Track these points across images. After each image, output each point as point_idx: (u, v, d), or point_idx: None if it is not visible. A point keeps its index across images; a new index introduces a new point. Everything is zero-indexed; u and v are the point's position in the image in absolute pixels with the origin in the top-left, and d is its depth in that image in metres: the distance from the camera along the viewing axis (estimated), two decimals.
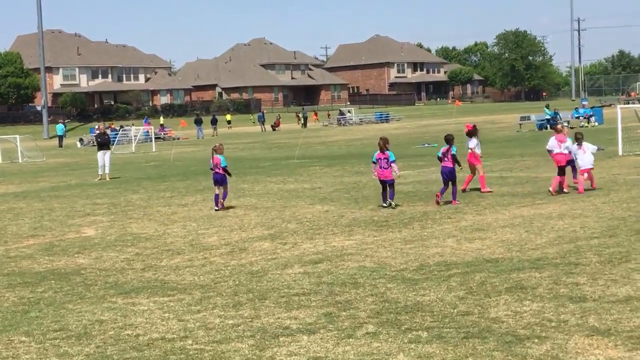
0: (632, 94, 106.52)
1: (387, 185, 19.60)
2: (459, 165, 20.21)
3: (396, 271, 12.29)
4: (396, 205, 19.59)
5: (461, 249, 13.87)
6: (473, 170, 22.02)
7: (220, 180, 20.75)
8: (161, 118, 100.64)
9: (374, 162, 19.82)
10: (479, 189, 21.57)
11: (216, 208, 20.73)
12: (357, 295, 10.85)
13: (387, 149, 19.54)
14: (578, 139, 20.97)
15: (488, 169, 27.20)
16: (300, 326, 9.43)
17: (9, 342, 9.34)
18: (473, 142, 21.83)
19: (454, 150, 20.04)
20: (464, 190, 21.66)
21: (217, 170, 20.72)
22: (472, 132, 22.02)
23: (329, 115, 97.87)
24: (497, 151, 34.84)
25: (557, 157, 20.81)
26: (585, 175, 20.83)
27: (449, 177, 19.99)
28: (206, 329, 9.53)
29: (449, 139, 20.30)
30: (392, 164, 19.40)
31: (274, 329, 9.35)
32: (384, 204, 19.58)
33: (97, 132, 35.96)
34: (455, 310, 9.79)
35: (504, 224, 16.17)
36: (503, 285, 10.94)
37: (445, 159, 20.08)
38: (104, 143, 33.04)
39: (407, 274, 12.02)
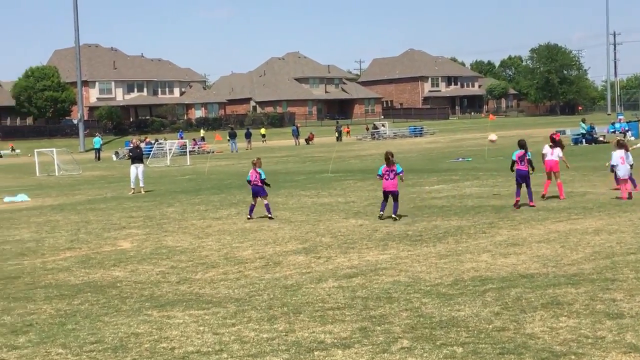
0: None
1: (390, 197, 20.49)
2: (533, 169, 21.54)
3: (431, 286, 12.25)
4: (400, 216, 20.18)
5: (496, 264, 13.80)
6: (550, 176, 22.94)
7: (259, 192, 21.71)
8: (202, 131, 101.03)
9: (379, 175, 20.85)
10: (557, 196, 22.57)
11: (249, 217, 21.58)
12: (392, 309, 10.83)
13: (394, 162, 20.70)
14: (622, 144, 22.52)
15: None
16: (335, 340, 9.43)
17: (47, 354, 9.43)
18: (560, 151, 22.83)
19: (529, 155, 21.35)
20: (543, 196, 22.54)
21: (255, 182, 21.65)
22: (560, 142, 23.04)
23: (367, 129, 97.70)
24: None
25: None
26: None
27: (523, 180, 21.25)
28: (241, 342, 9.55)
29: (522, 144, 21.51)
30: (401, 174, 20.69)
31: (309, 343, 9.36)
32: (382, 213, 20.48)
33: (132, 146, 36.23)
34: (490, 326, 9.74)
35: (540, 239, 16.06)
36: (539, 301, 10.86)
37: (522, 163, 21.25)
38: (136, 157, 33.29)
39: (442, 289, 11.98)
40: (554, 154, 22.79)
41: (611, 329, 9.33)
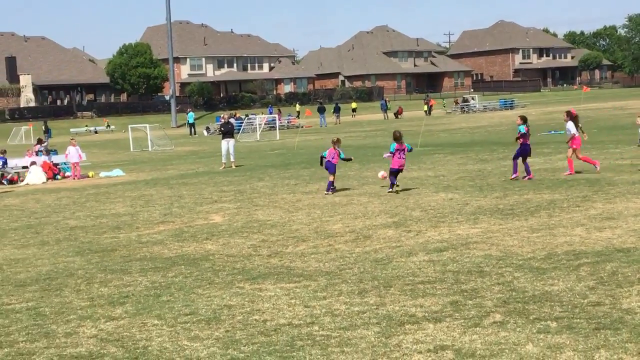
0: None
1: (398, 174, 21.22)
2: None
3: (523, 260, 12.10)
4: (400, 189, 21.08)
5: (590, 238, 13.53)
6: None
7: (329, 168, 22.23)
8: (297, 105, 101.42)
9: (390, 153, 21.32)
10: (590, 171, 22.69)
11: (326, 193, 21.95)
12: (483, 284, 10.73)
13: (403, 141, 21.38)
14: None
15: (619, 155, 26.44)
16: (426, 314, 9.39)
17: (143, 325, 9.64)
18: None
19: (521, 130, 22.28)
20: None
21: (329, 159, 22.16)
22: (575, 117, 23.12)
23: (456, 102, 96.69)
24: (627, 138, 33.80)
25: None
26: None
27: (527, 155, 22.53)
28: (332, 315, 9.60)
29: (524, 119, 22.80)
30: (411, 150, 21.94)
31: (400, 317, 9.35)
32: (392, 190, 21.11)
33: (222, 121, 36.60)
34: (585, 301, 9.56)
35: (636, 213, 15.68)
36: (636, 276, 10.62)
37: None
38: (227, 132, 33.64)
39: (535, 263, 11.81)
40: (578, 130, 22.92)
41: None
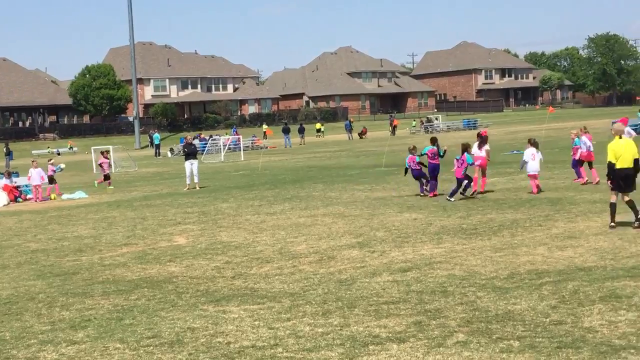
0: None
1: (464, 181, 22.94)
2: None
3: (486, 279, 12.16)
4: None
5: (553, 257, 13.64)
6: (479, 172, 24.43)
7: (419, 174, 24.47)
8: (264, 126, 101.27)
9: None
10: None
11: (422, 194, 24.39)
12: (447, 303, 10.77)
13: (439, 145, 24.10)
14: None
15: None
16: (390, 335, 9.40)
17: (104, 349, 9.55)
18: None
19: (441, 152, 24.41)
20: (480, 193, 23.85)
21: (414, 167, 24.49)
22: (485, 139, 24.71)
23: (422, 122, 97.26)
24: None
25: None
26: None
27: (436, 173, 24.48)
28: (296, 337, 9.58)
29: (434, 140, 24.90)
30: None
31: (364, 338, 9.35)
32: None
33: (186, 142, 36.45)
34: (547, 320, 9.63)
35: (597, 232, 15.84)
36: (597, 294, 10.72)
37: (434, 158, 24.11)
38: (191, 153, 33.54)
39: (498, 283, 11.88)
40: (481, 151, 24.20)
41: None
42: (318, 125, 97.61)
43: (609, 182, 16.37)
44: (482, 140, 24.50)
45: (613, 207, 16.25)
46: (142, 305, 11.86)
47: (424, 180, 24.43)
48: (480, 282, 11.97)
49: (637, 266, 12.37)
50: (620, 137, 16.35)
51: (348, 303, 11.16)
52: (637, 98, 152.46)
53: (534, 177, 23.40)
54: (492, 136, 27.64)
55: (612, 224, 16.20)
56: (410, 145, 25.56)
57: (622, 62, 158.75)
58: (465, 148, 23.06)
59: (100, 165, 38.70)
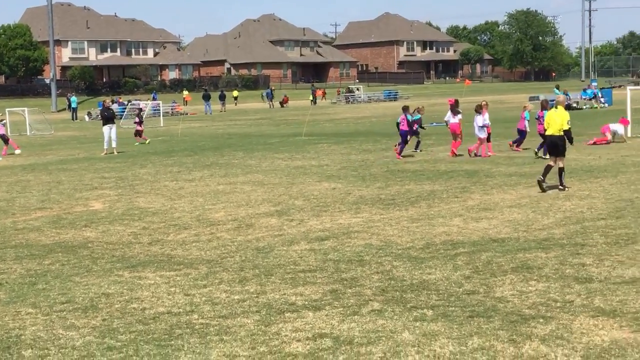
0: None
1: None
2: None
3: (402, 249, 12.30)
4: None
5: (468, 228, 13.87)
6: (455, 137, 26.33)
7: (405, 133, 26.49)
8: (185, 92, 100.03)
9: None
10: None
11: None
12: (363, 272, 10.87)
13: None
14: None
15: (497, 148, 27.17)
16: (306, 302, 9.45)
17: (16, 314, 9.39)
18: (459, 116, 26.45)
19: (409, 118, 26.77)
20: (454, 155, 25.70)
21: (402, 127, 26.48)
22: (455, 106, 26.67)
23: (339, 92, 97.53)
24: (506, 131, 34.70)
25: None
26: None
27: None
28: (212, 303, 9.56)
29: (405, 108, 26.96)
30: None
31: (280, 305, 9.38)
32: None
33: (102, 106, 35.77)
34: (460, 289, 9.80)
35: (511, 204, 16.15)
36: (509, 265, 10.95)
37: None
38: (109, 117, 33.06)
39: (413, 253, 12.03)
40: (455, 118, 26.22)
41: (580, 293, 9.42)
42: (235, 93, 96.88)
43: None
44: (451, 107, 26.66)
45: (548, 167, 17.85)
46: (56, 270, 11.68)
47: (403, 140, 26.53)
48: (396, 252, 12.11)
49: (548, 238, 12.67)
50: (557, 108, 17.98)
51: (265, 271, 11.18)
52: (554, 74, 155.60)
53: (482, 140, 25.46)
54: (413, 108, 27.94)
55: (541, 177, 17.69)
56: (418, 107, 29.62)
57: (540, 38, 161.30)
58: (404, 109, 26.65)
59: None
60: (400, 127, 26.48)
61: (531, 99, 61.21)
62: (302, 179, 21.54)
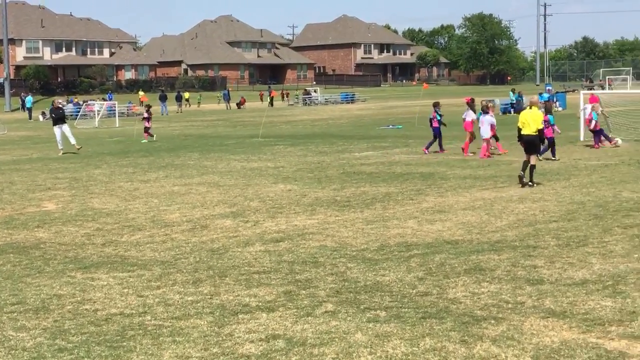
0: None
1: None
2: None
3: (357, 251, 12.35)
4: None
5: (422, 230, 13.96)
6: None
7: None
8: (141, 92, 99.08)
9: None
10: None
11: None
12: (317, 274, 10.89)
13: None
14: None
15: (452, 151, 27.38)
16: (260, 304, 9.45)
17: None
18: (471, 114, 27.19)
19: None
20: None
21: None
22: (470, 104, 27.53)
23: (287, 95, 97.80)
24: (461, 134, 34.98)
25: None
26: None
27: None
28: (165, 305, 9.52)
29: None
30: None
31: (233, 306, 9.37)
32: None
33: (52, 107, 35.25)
34: (414, 291, 9.86)
35: (465, 207, 16.28)
36: (462, 267, 11.04)
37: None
38: (59, 118, 32.76)
39: (368, 254, 12.08)
40: (469, 116, 27.04)
41: (531, 295, 9.53)
42: (187, 95, 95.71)
43: (520, 143, 19.38)
44: (470, 105, 27.48)
45: (525, 163, 18.94)
46: (7, 271, 11.55)
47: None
48: (350, 254, 12.15)
49: (501, 240, 12.80)
50: (531, 108, 19.19)
51: (219, 272, 11.16)
52: (509, 78, 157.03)
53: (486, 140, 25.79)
54: (369, 110, 28.07)
55: (521, 172, 18.88)
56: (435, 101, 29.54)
57: (496, 42, 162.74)
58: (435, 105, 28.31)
59: None
60: (433, 124, 27.77)
61: (487, 102, 61.59)
62: (257, 181, 21.51)
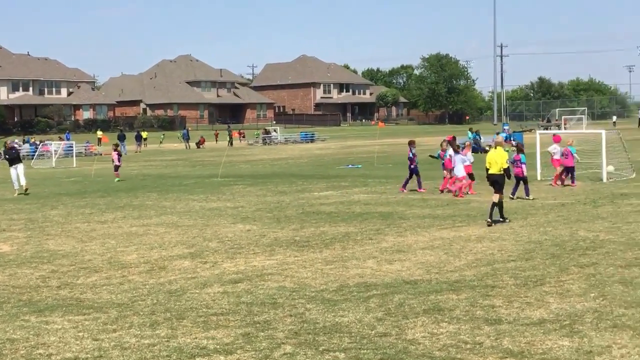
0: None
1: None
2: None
3: (316, 292, 12.30)
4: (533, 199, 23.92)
5: (381, 270, 13.95)
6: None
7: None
8: (99, 132, 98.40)
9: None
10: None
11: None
12: (276, 315, 10.82)
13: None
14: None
15: (412, 188, 27.48)
16: (218, 346, 9.36)
17: None
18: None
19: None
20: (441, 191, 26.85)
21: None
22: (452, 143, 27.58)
23: (243, 135, 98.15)
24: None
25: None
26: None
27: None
28: (121, 348, 9.38)
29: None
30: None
31: (191, 349, 9.26)
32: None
33: (5, 147, 34.87)
34: (373, 332, 9.83)
35: (424, 246, 16.32)
36: (421, 307, 11.03)
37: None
38: (13, 158, 32.46)
39: (327, 295, 12.04)
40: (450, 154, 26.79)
41: (489, 335, 9.54)
42: (145, 134, 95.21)
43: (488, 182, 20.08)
44: (450, 143, 27.48)
45: (492, 205, 19.38)
46: None
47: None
48: (310, 294, 12.10)
49: (460, 280, 12.82)
50: (496, 148, 20.14)
51: (177, 314, 11.04)
52: (467, 117, 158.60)
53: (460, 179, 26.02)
54: (328, 149, 28.11)
55: (489, 219, 19.10)
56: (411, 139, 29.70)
57: (454, 82, 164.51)
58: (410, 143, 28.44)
59: None
60: (411, 165, 27.64)
61: (497, 134, 62.29)
62: (216, 221, 21.41)
